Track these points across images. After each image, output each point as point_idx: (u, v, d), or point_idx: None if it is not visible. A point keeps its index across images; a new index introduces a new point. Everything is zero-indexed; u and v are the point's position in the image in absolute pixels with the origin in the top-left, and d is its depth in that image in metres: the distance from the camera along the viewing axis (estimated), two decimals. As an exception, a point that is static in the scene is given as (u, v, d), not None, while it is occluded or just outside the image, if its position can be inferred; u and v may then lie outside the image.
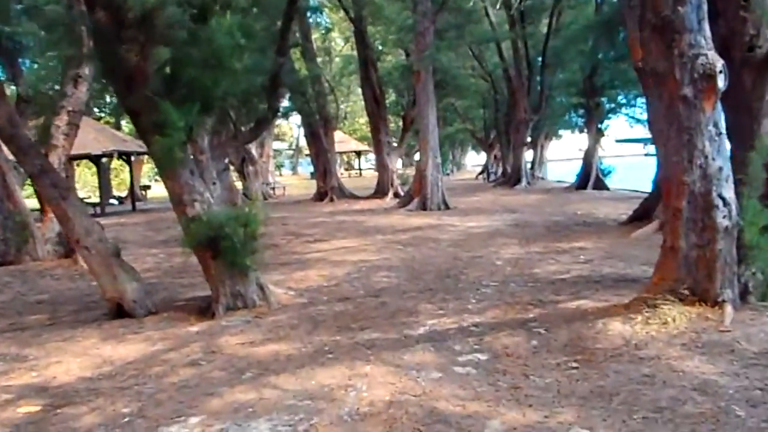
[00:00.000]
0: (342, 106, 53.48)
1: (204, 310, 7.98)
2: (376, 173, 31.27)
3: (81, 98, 13.16)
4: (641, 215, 14.57)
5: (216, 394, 5.15)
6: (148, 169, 44.90)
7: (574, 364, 5.28)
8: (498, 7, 28.95)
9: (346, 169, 65.50)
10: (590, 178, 28.41)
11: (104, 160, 32.80)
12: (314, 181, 31.77)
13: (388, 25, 28.60)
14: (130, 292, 7.92)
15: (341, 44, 50.01)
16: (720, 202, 6.11)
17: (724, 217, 6.12)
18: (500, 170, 42.50)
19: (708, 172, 6.12)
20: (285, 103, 22.55)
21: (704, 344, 5.50)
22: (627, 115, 30.77)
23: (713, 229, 6.12)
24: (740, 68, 6.71)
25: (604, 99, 28.51)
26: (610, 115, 30.38)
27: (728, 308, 6.03)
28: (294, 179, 57.69)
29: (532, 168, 36.55)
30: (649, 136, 56.46)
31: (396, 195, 26.69)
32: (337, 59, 49.22)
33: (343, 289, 9.08)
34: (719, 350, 5.36)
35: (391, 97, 35.51)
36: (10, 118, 8.19)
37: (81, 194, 39.93)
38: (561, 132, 44.30)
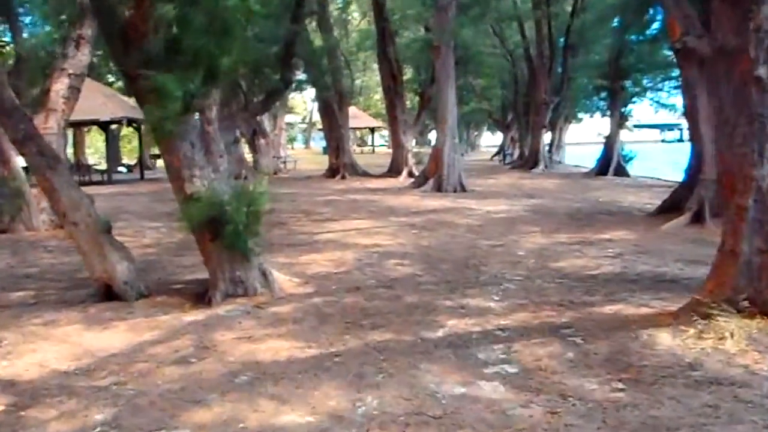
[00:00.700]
0: (357, 82, 52.54)
1: (201, 295, 7.28)
2: (389, 151, 30.47)
3: (83, 60, 12.46)
4: (671, 206, 13.73)
5: (203, 403, 4.45)
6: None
7: (620, 385, 4.53)
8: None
9: (359, 145, 64.67)
10: (611, 163, 27.47)
11: (113, 127, 32.18)
12: (326, 157, 31.01)
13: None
14: (121, 273, 7.22)
15: (358, 19, 48.92)
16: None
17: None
18: (517, 152, 41.55)
19: (782, 167, 5.31)
20: (299, 75, 21.72)
21: (770, 366, 4.75)
22: (652, 99, 29.78)
23: (784, 232, 5.33)
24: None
25: (628, 82, 27.47)
26: (634, 100, 29.36)
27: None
28: (306, 153, 56.92)
29: (549, 151, 35.57)
30: (669, 122, 55.02)
31: (410, 174, 25.89)
32: (353, 34, 48.20)
33: (353, 277, 8.35)
34: (788, 375, 4.61)
35: (408, 74, 34.52)
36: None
37: (91, 160, 39.45)
38: (580, 115, 43.22)
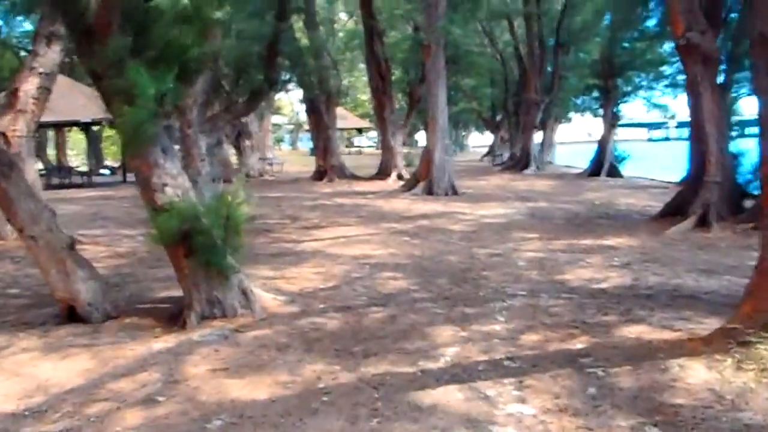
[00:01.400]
0: (344, 82, 51.77)
1: (175, 316, 6.57)
2: (378, 152, 29.78)
3: (54, 59, 11.68)
4: (674, 210, 13.13)
5: (168, 458, 3.78)
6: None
7: (655, 430, 3.89)
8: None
9: (347, 146, 63.89)
10: (604, 164, 26.93)
11: (95, 128, 31.32)
12: (314, 158, 30.26)
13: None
14: (85, 293, 6.50)
15: (345, 18, 48.21)
16: None
17: None
18: (507, 153, 40.96)
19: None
20: (285, 75, 20.98)
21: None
22: (644, 98, 29.27)
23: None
24: None
25: (621, 80, 26.92)
26: (627, 99, 28.81)
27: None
28: (293, 155, 56.07)
29: (540, 151, 34.98)
30: (656, 120, 54.59)
31: (400, 177, 25.19)
32: (341, 34, 47.47)
33: (342, 293, 7.66)
34: None
35: (396, 74, 33.83)
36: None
37: (74, 162, 38.53)
38: (570, 115, 42.67)
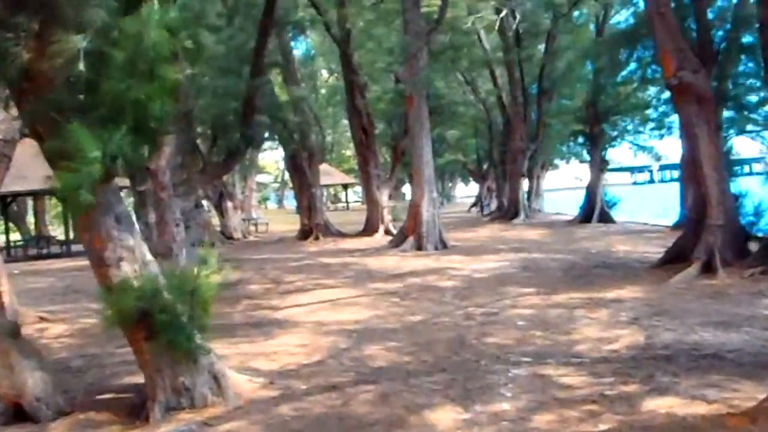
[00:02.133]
0: (328, 138, 51.61)
1: (137, 408, 5.77)
2: (364, 207, 29.19)
3: (14, 123, 11.05)
4: (676, 256, 12.50)
5: None
6: (127, 203, 42.55)
7: None
8: (494, 29, 27.05)
9: (332, 203, 63.41)
10: (594, 210, 26.47)
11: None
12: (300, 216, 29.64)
13: (376, 47, 26.60)
14: (32, 388, 5.69)
15: (326, 75, 48.36)
16: None
17: None
18: (495, 203, 40.53)
19: None
20: (263, 132, 20.47)
21: None
22: (631, 142, 29.02)
23: None
24: None
25: (607, 125, 26.70)
26: (613, 143, 28.57)
27: None
28: (279, 213, 55.46)
29: (528, 200, 34.55)
30: (640, 164, 54.92)
31: (387, 232, 24.50)
32: (323, 90, 47.50)
33: (328, 369, 6.88)
34: None
35: (379, 127, 33.54)
36: None
37: (52, 232, 37.61)
38: (556, 162, 42.55)
